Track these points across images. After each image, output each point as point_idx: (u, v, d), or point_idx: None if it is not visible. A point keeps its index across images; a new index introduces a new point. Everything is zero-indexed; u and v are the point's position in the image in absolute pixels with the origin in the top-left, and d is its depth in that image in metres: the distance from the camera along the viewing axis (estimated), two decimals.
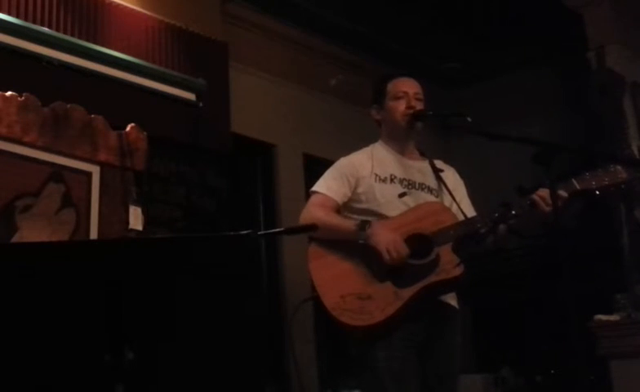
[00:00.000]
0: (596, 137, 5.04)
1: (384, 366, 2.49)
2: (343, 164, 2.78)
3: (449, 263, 2.51)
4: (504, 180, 4.15)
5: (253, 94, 5.15)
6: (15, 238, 2.82)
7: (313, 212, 2.64)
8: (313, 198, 2.72)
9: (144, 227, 3.26)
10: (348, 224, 2.60)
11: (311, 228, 2.48)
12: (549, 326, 4.79)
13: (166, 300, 1.52)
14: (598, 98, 5.02)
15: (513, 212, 2.55)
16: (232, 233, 1.54)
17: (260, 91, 5.25)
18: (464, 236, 2.56)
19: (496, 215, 2.53)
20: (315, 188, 2.74)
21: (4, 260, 1.45)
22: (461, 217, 2.64)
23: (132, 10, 4.15)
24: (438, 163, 2.85)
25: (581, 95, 5.27)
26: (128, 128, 3.32)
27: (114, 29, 4.01)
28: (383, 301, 2.47)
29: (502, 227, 2.60)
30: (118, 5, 4.08)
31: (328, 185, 2.71)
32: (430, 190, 2.74)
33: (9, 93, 2.95)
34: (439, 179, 2.78)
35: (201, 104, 4.33)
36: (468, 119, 2.62)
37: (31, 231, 2.87)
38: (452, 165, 2.95)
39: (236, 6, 5.12)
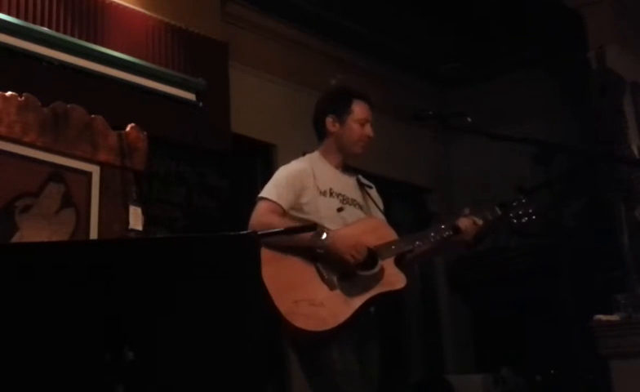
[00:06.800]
0: (596, 137, 5.04)
1: (339, 368, 2.58)
2: (289, 172, 2.83)
3: (392, 275, 2.67)
4: (504, 180, 4.16)
5: (253, 94, 5.14)
6: (15, 238, 2.82)
7: (266, 219, 2.67)
8: (263, 205, 2.74)
9: (144, 227, 3.26)
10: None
11: (311, 228, 2.50)
12: (549, 326, 4.79)
13: (166, 300, 1.52)
14: (598, 98, 5.01)
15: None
16: (232, 233, 1.54)
17: (260, 91, 5.24)
18: (403, 252, 2.73)
19: (437, 234, 2.76)
20: (264, 194, 2.76)
21: (4, 260, 1.45)
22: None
23: (132, 10, 4.15)
24: (362, 179, 2.97)
25: (581, 95, 5.26)
26: (128, 128, 3.32)
27: (114, 29, 4.01)
28: (335, 308, 2.57)
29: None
30: (118, 5, 4.08)
31: (278, 193, 2.74)
32: (360, 206, 2.87)
33: (9, 93, 2.94)
34: (367, 194, 2.91)
35: (201, 104, 4.33)
36: (468, 119, 2.64)
37: (31, 231, 2.87)
38: (452, 165, 2.97)
39: (236, 6, 5.11)
